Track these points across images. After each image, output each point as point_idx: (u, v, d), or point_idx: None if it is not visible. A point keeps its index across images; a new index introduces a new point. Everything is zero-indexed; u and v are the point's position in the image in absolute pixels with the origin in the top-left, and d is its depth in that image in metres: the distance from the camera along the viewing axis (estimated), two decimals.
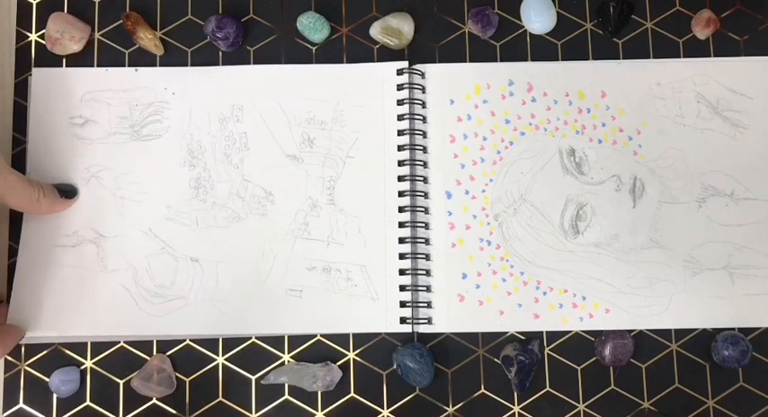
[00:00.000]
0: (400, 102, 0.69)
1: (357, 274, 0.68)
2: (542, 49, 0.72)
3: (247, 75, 0.71)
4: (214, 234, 0.69)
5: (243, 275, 0.68)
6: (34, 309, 0.67)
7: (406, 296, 0.67)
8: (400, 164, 0.69)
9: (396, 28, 0.70)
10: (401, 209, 0.68)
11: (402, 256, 0.67)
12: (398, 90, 0.69)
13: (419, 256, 0.67)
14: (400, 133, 0.69)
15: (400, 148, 0.69)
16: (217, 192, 0.69)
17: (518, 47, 0.72)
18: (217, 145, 0.70)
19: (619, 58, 0.71)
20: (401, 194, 0.68)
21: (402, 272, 0.67)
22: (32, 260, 0.68)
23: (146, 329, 0.67)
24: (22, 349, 0.66)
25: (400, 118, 0.69)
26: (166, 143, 0.70)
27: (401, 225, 0.68)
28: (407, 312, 0.67)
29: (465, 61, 0.71)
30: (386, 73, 0.70)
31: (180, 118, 0.70)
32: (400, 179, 0.68)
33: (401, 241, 0.68)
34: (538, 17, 0.71)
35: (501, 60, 0.71)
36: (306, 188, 0.69)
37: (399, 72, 0.70)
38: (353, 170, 0.69)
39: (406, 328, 0.66)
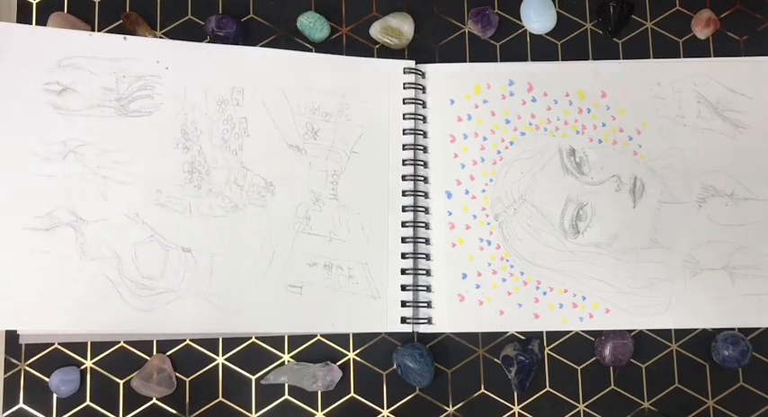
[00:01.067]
0: (405, 101, 0.69)
1: (359, 272, 0.66)
2: (542, 49, 0.72)
3: (250, 58, 0.68)
4: (209, 223, 0.65)
5: (240, 268, 0.65)
6: (5, 301, 0.63)
7: (407, 295, 0.67)
8: (404, 163, 0.68)
9: (396, 28, 0.70)
10: (404, 209, 0.68)
11: (404, 255, 0.67)
12: (404, 89, 0.69)
13: (419, 256, 0.67)
14: (405, 132, 0.69)
15: (404, 147, 0.68)
16: (213, 179, 0.66)
17: (518, 47, 0.72)
18: (214, 128, 0.66)
19: (619, 58, 0.71)
20: (404, 193, 0.68)
21: (403, 272, 0.67)
22: (1, 245, 0.63)
23: (131, 325, 0.64)
24: (22, 349, 0.66)
25: (405, 117, 0.69)
26: (158, 121, 0.66)
27: (403, 224, 0.68)
28: (408, 311, 0.66)
29: (465, 61, 0.71)
30: (392, 70, 0.69)
31: (174, 95, 0.66)
32: (404, 178, 0.68)
33: (403, 240, 0.67)
34: (538, 17, 0.71)
35: (501, 60, 0.71)
36: (308, 180, 0.67)
37: (405, 71, 0.69)
38: (357, 165, 0.68)
39: (407, 328, 0.66)
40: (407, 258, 0.67)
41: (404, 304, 0.67)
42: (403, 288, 0.67)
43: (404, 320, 0.66)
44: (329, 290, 0.66)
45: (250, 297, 0.65)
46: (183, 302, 0.64)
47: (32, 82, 0.64)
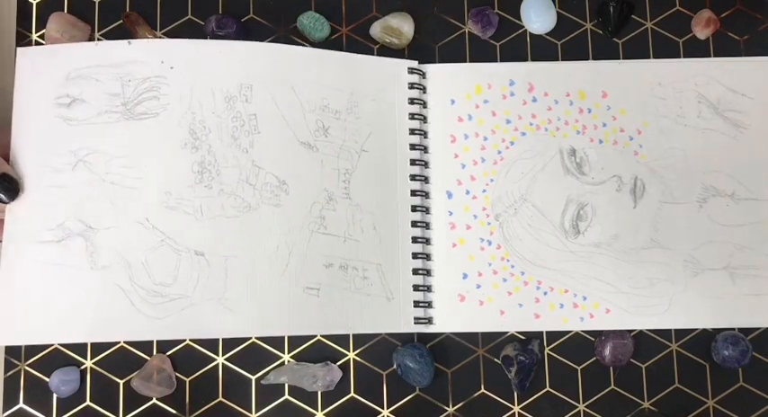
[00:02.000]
0: (411, 101, 0.68)
1: (373, 273, 0.65)
2: (542, 49, 0.72)
3: (257, 53, 0.66)
4: (222, 224, 0.62)
5: (256, 271, 0.62)
6: (19, 316, 0.61)
7: (418, 295, 0.66)
8: (412, 163, 0.68)
9: (396, 28, 0.70)
10: (413, 209, 0.67)
11: (415, 255, 0.67)
12: (410, 89, 0.69)
13: (420, 256, 0.67)
14: (412, 132, 0.68)
15: (412, 147, 0.68)
16: (223, 178, 0.63)
17: (518, 47, 0.72)
18: (223, 126, 0.63)
19: (619, 58, 0.71)
20: (413, 193, 0.67)
21: (414, 272, 0.67)
22: (15, 261, 0.61)
23: (145, 333, 0.62)
24: (22, 349, 0.66)
25: (411, 117, 0.68)
26: (165, 122, 0.63)
27: (413, 224, 0.67)
28: (419, 312, 0.66)
29: (465, 61, 0.71)
30: (398, 70, 0.69)
31: (180, 94, 0.63)
32: (413, 178, 0.68)
33: (413, 240, 0.67)
34: (538, 17, 0.71)
35: (501, 60, 0.71)
36: (321, 179, 0.65)
37: (409, 71, 0.69)
38: (368, 164, 0.66)
39: (422, 328, 0.66)
40: (416, 258, 0.67)
41: (416, 304, 0.66)
42: (415, 288, 0.66)
43: (417, 320, 0.66)
44: (346, 292, 0.64)
45: (267, 301, 0.62)
46: (197, 308, 0.61)
47: (44, 99, 0.63)
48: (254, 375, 0.67)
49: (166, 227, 0.62)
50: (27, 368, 0.66)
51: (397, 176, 0.67)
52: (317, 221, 0.64)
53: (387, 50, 0.71)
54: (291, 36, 0.71)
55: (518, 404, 0.67)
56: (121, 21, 0.70)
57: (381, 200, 0.67)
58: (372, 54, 0.71)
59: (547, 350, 0.68)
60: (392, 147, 0.68)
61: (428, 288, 0.67)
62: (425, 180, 0.68)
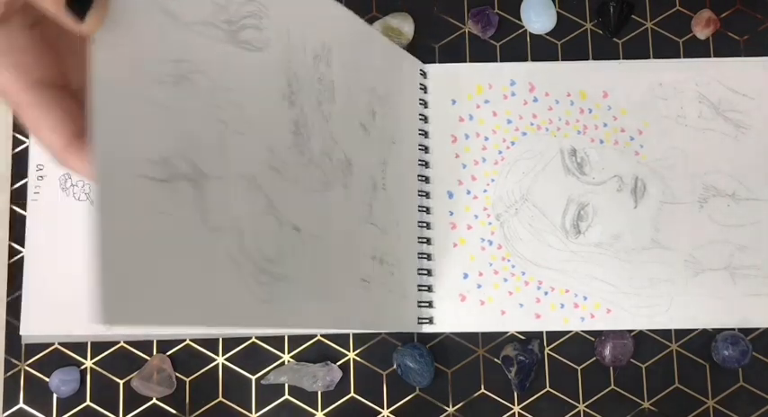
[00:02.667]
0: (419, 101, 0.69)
1: (396, 269, 0.62)
2: (542, 49, 0.72)
3: (335, 14, 0.55)
4: (311, 199, 0.50)
5: (335, 256, 0.53)
6: (126, 289, 0.35)
7: (420, 295, 0.67)
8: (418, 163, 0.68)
9: (396, 28, 0.70)
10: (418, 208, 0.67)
11: (420, 255, 0.67)
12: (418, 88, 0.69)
13: (422, 255, 0.67)
14: (421, 132, 0.68)
15: (420, 147, 0.68)
16: (312, 146, 0.50)
17: (518, 47, 0.72)
18: (312, 86, 0.51)
19: (619, 58, 0.71)
20: (419, 193, 0.68)
21: (420, 271, 0.67)
22: (115, 201, 0.35)
23: (256, 320, 0.46)
24: (22, 349, 0.66)
25: (421, 117, 0.68)
26: (268, 61, 0.47)
27: (418, 224, 0.67)
28: (420, 312, 0.66)
29: (465, 61, 0.71)
30: (413, 68, 0.68)
31: (278, 34, 0.48)
32: (419, 178, 0.68)
33: (418, 240, 0.67)
34: (538, 17, 0.71)
35: (501, 60, 0.71)
36: (370, 165, 0.58)
37: (420, 72, 0.69)
38: (397, 157, 0.64)
39: (429, 328, 0.66)
40: (418, 258, 0.67)
41: (417, 304, 0.66)
42: (420, 287, 0.66)
43: (418, 320, 0.66)
44: (383, 288, 0.59)
45: (340, 290, 0.54)
46: (295, 293, 0.48)
47: None
48: (254, 375, 0.67)
49: (271, 191, 0.47)
50: (27, 368, 0.66)
51: (411, 175, 0.67)
52: (367, 209, 0.57)
53: None
54: None
55: (518, 404, 0.67)
56: None
57: (405, 196, 0.65)
58: None
59: (547, 350, 0.68)
60: (408, 145, 0.66)
61: (429, 288, 0.67)
62: (426, 180, 0.68)
